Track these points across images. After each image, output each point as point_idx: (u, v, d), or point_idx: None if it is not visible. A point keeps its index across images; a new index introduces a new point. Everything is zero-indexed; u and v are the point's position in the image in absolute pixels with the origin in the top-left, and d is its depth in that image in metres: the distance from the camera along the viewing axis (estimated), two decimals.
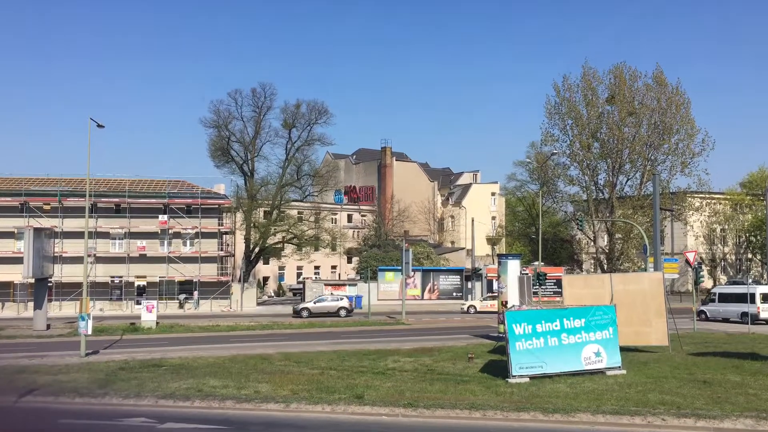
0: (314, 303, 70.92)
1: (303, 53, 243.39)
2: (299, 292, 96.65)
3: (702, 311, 62.89)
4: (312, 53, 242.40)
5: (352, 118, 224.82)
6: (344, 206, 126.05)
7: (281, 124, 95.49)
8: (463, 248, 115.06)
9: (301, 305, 71.09)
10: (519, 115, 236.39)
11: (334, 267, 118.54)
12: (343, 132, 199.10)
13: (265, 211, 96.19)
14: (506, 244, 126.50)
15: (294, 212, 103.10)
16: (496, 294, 61.43)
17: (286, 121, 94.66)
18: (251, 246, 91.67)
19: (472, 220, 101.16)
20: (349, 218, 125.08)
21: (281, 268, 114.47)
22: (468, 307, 74.41)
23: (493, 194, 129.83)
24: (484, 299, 76.32)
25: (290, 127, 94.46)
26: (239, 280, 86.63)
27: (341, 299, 71.89)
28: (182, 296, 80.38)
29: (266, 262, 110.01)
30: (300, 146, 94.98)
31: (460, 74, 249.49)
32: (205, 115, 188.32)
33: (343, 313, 69.84)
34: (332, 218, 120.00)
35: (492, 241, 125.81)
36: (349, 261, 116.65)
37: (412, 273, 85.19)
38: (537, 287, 62.61)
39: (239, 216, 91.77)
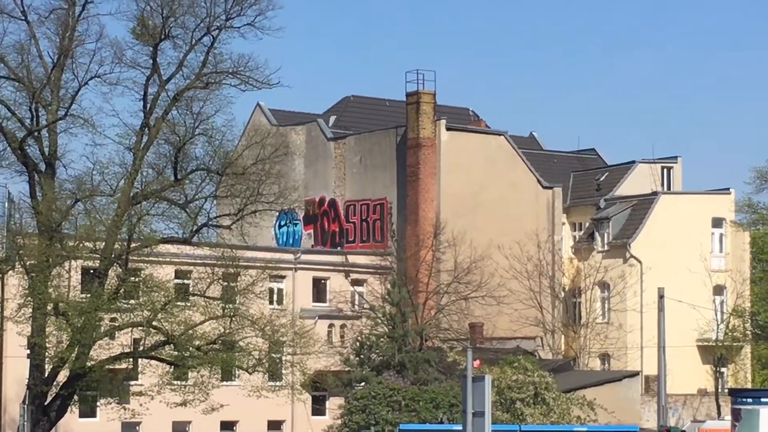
0: None
1: None
2: None
3: None
4: None
5: (326, 20, 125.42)
6: (305, 255, 60.43)
7: (131, 29, 39.12)
8: (634, 373, 54.84)
9: None
10: None
11: (277, 424, 55.98)
12: (306, 57, 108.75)
13: (86, 271, 41.54)
14: (754, 361, 64.25)
15: (167, 273, 44.71)
16: None
17: (143, 20, 39.02)
18: (48, 364, 39.91)
19: (661, 295, 47.17)
20: (318, 289, 60.30)
21: (130, 425, 51.35)
22: None
23: (718, 222, 62.63)
24: None
25: (157, 38, 38.72)
26: None
27: None
28: None
29: (88, 412, 49.23)
30: (184, 90, 39.06)
31: None
32: None
33: None
34: (274, 290, 57.27)
35: (718, 354, 59.70)
36: (318, 407, 56.33)
37: None
38: None
39: (15, 283, 40.44)
